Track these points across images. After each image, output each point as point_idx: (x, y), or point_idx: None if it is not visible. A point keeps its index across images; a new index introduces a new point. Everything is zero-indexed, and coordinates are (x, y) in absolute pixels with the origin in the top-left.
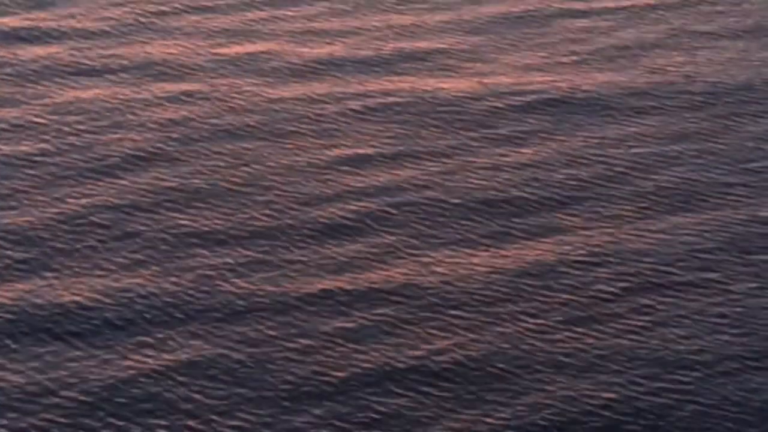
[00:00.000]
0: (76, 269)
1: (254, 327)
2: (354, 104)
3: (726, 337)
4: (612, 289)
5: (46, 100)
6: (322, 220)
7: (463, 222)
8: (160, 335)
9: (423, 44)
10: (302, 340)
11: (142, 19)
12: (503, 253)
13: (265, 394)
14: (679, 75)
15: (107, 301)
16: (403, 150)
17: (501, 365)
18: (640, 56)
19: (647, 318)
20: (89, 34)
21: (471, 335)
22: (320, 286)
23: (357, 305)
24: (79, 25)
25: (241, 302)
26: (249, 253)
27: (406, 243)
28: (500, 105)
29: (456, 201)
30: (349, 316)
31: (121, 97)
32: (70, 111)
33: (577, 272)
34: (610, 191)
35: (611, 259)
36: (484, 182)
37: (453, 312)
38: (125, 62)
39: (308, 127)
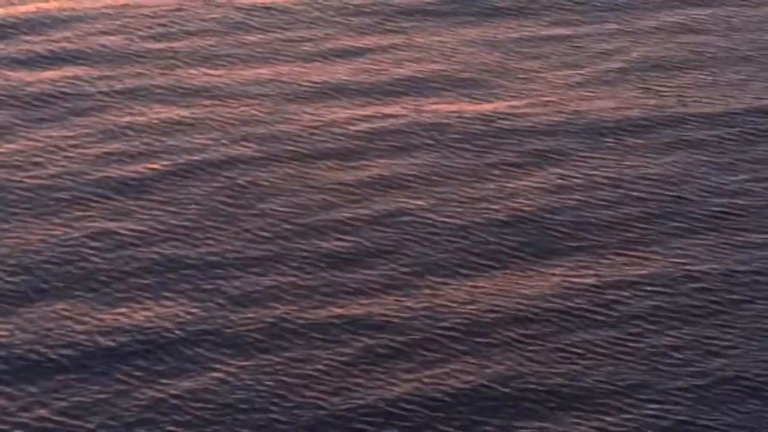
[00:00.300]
0: (70, 296)
1: (249, 354)
2: (355, 127)
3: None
4: (615, 314)
5: (42, 125)
6: (321, 245)
7: (466, 247)
8: (154, 362)
9: (424, 67)
10: (300, 367)
11: (138, 41)
12: (505, 278)
13: (260, 422)
14: (681, 97)
15: (103, 328)
16: (404, 173)
17: (499, 392)
18: (640, 78)
19: (644, 343)
20: (85, 57)
21: (469, 362)
22: (320, 312)
23: (355, 332)
24: (74, 48)
25: (236, 329)
26: (246, 279)
27: (406, 268)
28: (504, 127)
29: (458, 225)
30: (347, 343)
31: (119, 121)
32: (66, 135)
33: (577, 297)
34: (616, 214)
35: (616, 284)
36: (485, 206)
37: (452, 339)
38: (122, 86)
39: (307, 150)
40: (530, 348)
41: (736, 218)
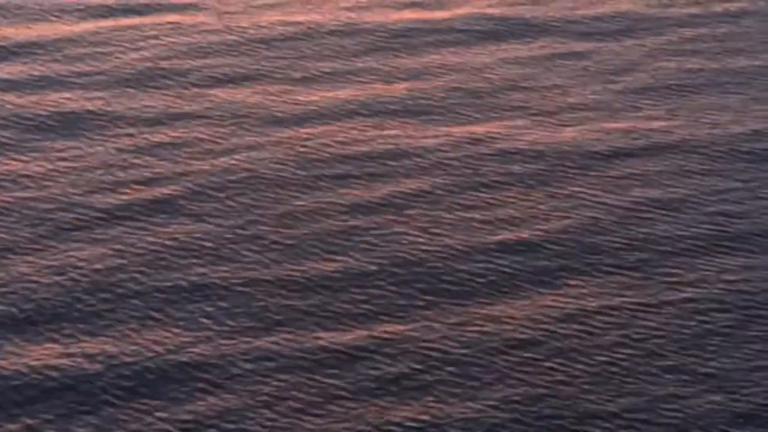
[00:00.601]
0: (57, 322)
1: (238, 379)
2: (347, 149)
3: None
4: (611, 337)
5: (43, 150)
6: (312, 267)
7: (464, 277)
8: (142, 389)
9: (416, 88)
10: (290, 394)
11: (130, 62)
12: (499, 302)
13: None
14: (677, 118)
15: (89, 354)
16: (397, 195)
17: (490, 415)
18: (638, 100)
19: (636, 367)
20: (86, 81)
21: (463, 386)
22: (310, 337)
23: (347, 357)
24: (64, 70)
25: (240, 358)
26: (235, 302)
27: (399, 291)
28: (498, 149)
29: (451, 248)
30: (339, 369)
31: (119, 145)
32: (66, 162)
33: (571, 320)
34: (612, 237)
35: (612, 307)
36: (478, 229)
37: (454, 369)
38: (109, 108)
39: (299, 171)
40: (525, 372)
41: (732, 241)
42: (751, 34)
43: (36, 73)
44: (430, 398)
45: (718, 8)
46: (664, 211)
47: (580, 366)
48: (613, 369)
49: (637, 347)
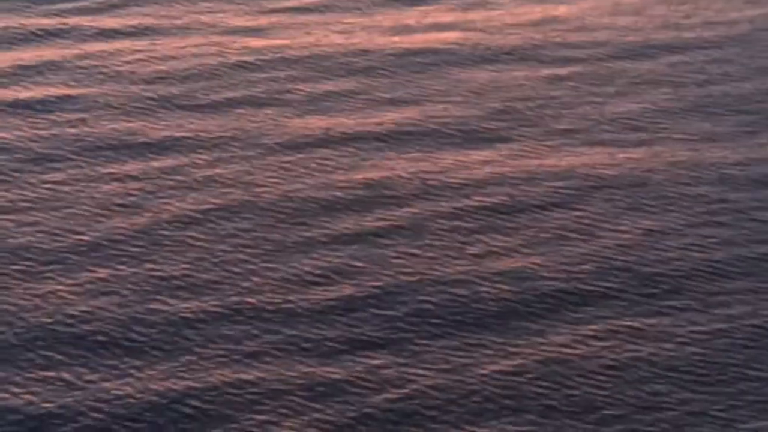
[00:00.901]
0: (50, 355)
1: (240, 411)
2: (332, 176)
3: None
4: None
5: (23, 176)
6: (305, 297)
7: (449, 305)
8: (136, 421)
9: (403, 115)
10: (287, 424)
11: (116, 89)
12: (489, 334)
13: None
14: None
15: (82, 387)
16: (391, 224)
17: None
18: (629, 127)
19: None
20: (67, 105)
21: (450, 422)
22: (304, 369)
23: (337, 389)
24: (56, 95)
25: (224, 387)
26: (229, 333)
27: (389, 326)
28: (492, 176)
29: (440, 283)
30: (332, 401)
31: (100, 171)
32: (45, 188)
33: (574, 354)
34: (608, 271)
35: (612, 338)
36: (468, 258)
37: (438, 397)
38: (102, 135)
39: (292, 202)
40: (511, 398)
41: (717, 265)
42: (733, 61)
43: (17, 96)
44: (414, 427)
45: (701, 34)
46: (648, 236)
47: (566, 390)
48: (600, 392)
49: (622, 369)
